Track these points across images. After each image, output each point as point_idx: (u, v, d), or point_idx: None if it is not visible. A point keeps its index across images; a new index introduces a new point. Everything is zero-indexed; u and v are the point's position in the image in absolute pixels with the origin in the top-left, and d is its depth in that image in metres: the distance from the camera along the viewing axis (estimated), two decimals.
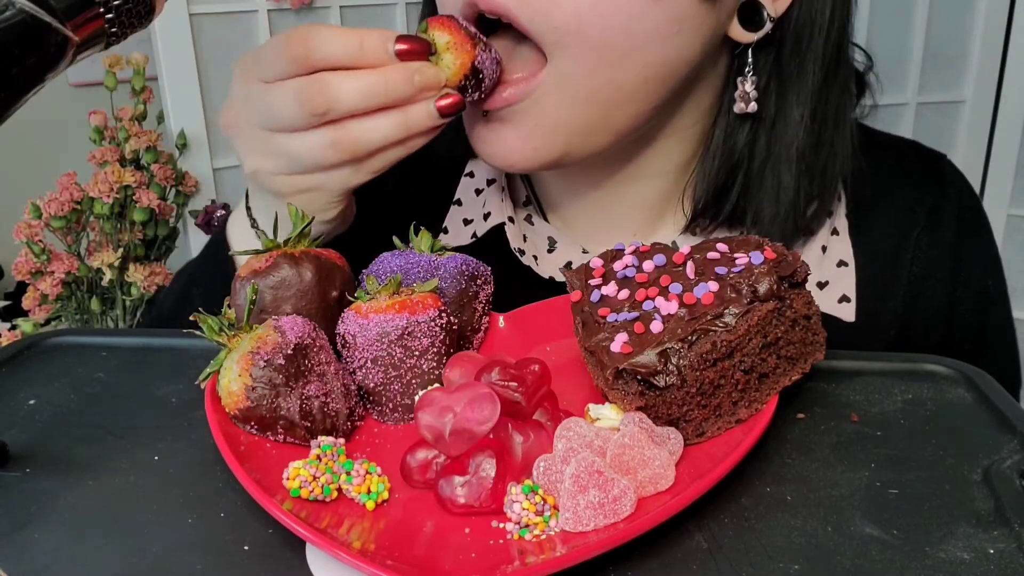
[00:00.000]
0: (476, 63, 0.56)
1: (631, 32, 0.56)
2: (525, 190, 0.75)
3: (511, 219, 0.72)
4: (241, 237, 0.66)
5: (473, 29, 0.57)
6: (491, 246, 0.71)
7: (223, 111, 0.60)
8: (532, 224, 0.74)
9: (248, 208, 0.64)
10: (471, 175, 0.78)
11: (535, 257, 0.72)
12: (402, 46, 0.55)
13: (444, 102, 0.56)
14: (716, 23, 0.60)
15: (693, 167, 0.69)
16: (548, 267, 0.72)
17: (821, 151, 0.66)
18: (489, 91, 0.59)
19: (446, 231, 0.76)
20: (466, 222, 0.75)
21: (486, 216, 0.74)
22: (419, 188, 0.78)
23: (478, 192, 0.76)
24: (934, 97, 1.73)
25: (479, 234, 0.73)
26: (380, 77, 0.54)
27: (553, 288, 0.69)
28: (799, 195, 0.66)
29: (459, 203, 0.77)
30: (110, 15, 0.40)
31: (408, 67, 0.55)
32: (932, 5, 1.66)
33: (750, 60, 0.63)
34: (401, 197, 0.77)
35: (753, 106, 0.64)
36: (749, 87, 0.63)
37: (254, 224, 0.64)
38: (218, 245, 0.68)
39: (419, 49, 0.56)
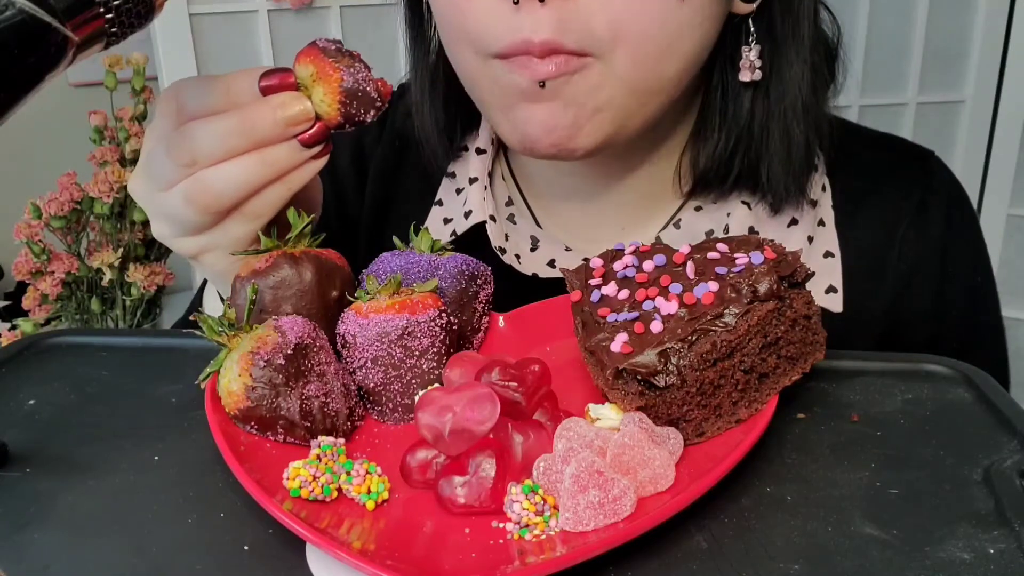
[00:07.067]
0: (343, 86, 0.50)
1: (667, 27, 0.57)
2: (507, 192, 0.75)
3: (492, 217, 0.72)
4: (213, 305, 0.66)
5: (334, 47, 0.52)
6: (471, 244, 0.70)
7: (130, 180, 0.57)
8: (515, 224, 0.74)
9: None
10: (452, 175, 0.77)
11: (517, 256, 0.71)
12: (267, 82, 0.51)
13: (307, 132, 0.51)
14: (725, 5, 0.62)
15: (684, 147, 0.70)
16: (530, 265, 0.71)
17: (820, 104, 0.67)
18: (383, 103, 0.52)
19: (426, 231, 0.76)
20: (446, 221, 0.75)
21: (467, 214, 0.73)
22: (401, 190, 0.78)
23: (459, 191, 0.76)
24: (934, 97, 1.72)
25: (459, 231, 0.73)
26: (239, 116, 0.50)
27: (535, 284, 0.69)
28: (809, 148, 0.67)
29: (440, 203, 0.77)
30: (110, 15, 0.40)
31: (270, 101, 0.50)
32: (932, 4, 1.66)
33: (752, 29, 0.64)
34: (383, 199, 0.76)
35: (758, 73, 0.65)
36: (754, 56, 0.65)
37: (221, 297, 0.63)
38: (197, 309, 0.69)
39: (285, 82, 0.51)
